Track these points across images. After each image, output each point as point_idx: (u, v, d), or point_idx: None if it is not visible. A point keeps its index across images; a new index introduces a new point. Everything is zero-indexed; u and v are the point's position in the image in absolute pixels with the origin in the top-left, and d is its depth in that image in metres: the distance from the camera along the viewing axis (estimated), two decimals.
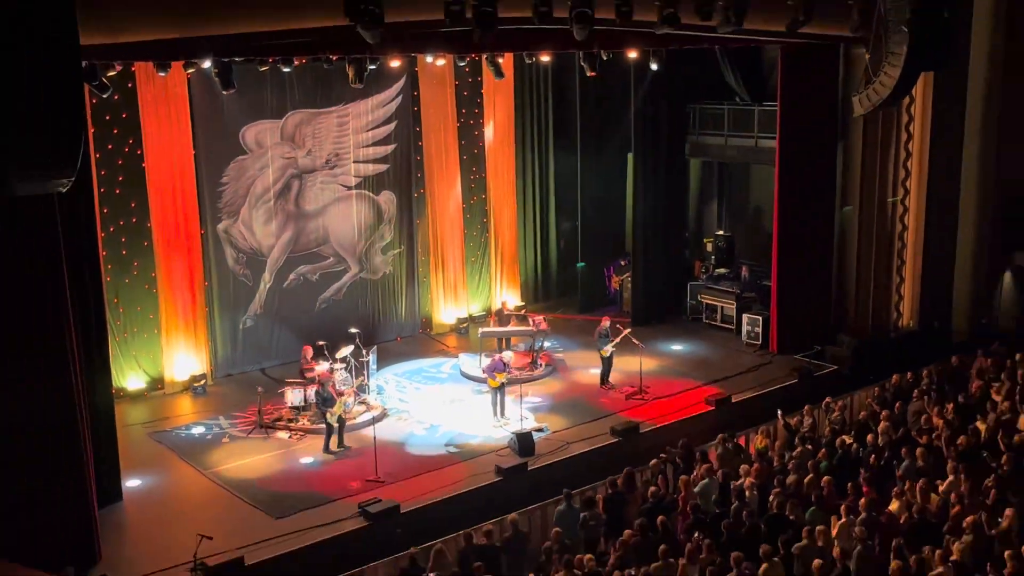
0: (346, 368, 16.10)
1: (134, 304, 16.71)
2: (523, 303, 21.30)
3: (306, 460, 14.40)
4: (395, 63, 16.83)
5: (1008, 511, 10.23)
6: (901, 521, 10.58)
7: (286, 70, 15.75)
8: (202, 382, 17.25)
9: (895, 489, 11.30)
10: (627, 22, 11.21)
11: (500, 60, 17.04)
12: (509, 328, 18.82)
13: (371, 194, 19.34)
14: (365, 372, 16.47)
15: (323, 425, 14.68)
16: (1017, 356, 14.96)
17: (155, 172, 16.55)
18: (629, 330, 17.22)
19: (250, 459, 14.45)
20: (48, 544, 10.95)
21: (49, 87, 7.98)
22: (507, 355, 16.48)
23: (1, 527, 10.62)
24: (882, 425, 13.21)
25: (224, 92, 14.79)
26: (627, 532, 10.90)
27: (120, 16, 10.20)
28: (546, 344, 18.79)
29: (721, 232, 21.71)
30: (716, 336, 19.71)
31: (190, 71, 15.06)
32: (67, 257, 11.27)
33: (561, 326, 20.33)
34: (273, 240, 18.24)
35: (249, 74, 16.02)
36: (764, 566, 9.73)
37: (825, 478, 11.67)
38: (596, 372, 17.33)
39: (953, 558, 9.43)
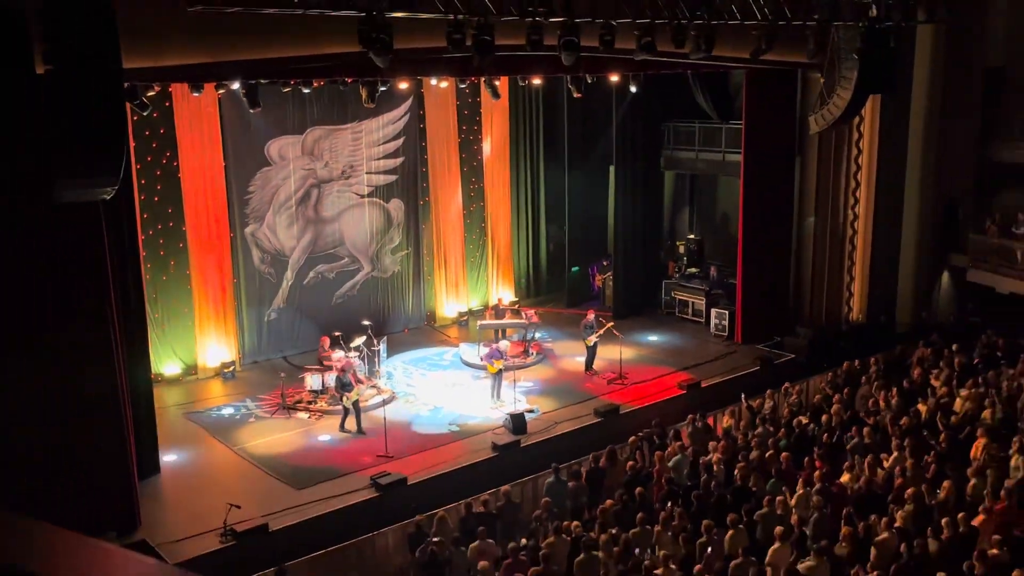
0: (359, 356, 16.08)
1: (170, 299, 16.66)
2: (517, 299, 21.24)
3: (324, 438, 14.38)
4: (403, 85, 16.77)
5: (946, 483, 10.30)
6: (850, 492, 10.61)
7: (306, 91, 15.70)
8: (231, 368, 17.21)
9: (846, 463, 11.31)
10: (609, 49, 11.23)
11: (497, 83, 17.07)
12: (504, 321, 18.78)
13: (382, 202, 19.30)
14: (376, 360, 16.43)
15: (339, 407, 14.66)
16: (954, 346, 14.99)
17: (189, 181, 16.50)
18: (611, 323, 17.19)
19: (274, 437, 14.42)
20: (93, 511, 10.94)
21: (94, 106, 7.96)
22: (503, 344, 16.46)
23: (51, 495, 10.59)
24: (834, 407, 13.23)
25: (251, 110, 14.82)
26: (608, 501, 10.93)
27: (159, 43, 10.22)
28: (537, 335, 18.76)
29: (692, 236, 21.68)
30: (688, 328, 19.70)
31: (221, 91, 15.08)
32: (111, 257, 11.23)
33: (550, 319, 20.29)
34: (294, 242, 18.19)
35: (273, 94, 16.04)
36: (730, 532, 9.76)
37: (784, 454, 11.67)
38: (581, 360, 17.31)
39: (897, 525, 9.47)
